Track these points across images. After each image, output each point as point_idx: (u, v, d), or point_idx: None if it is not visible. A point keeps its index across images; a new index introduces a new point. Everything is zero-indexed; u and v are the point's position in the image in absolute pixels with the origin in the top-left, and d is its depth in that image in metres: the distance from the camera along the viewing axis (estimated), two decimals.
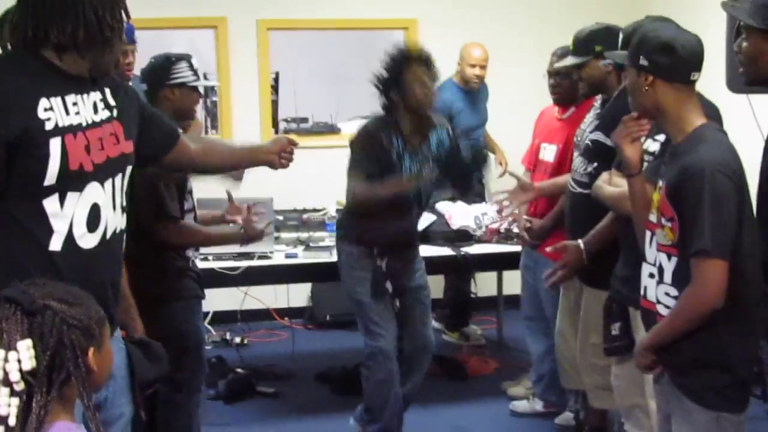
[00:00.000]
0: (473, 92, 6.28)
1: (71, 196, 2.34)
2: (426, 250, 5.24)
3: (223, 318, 6.57)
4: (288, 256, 5.06)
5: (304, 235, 5.32)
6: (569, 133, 4.42)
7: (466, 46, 6.22)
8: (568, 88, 4.54)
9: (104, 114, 2.46)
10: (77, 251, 2.37)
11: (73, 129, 2.34)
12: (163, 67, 3.73)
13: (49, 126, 2.29)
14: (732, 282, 2.60)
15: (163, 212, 3.52)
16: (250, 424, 5.00)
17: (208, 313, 6.32)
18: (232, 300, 6.22)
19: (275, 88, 7.17)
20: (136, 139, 2.61)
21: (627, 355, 3.51)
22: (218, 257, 4.95)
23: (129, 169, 2.57)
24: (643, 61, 2.73)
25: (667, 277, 2.73)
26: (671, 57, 2.71)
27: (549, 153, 4.64)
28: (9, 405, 1.82)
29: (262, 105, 6.82)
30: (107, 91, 2.51)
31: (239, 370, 5.55)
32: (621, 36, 3.54)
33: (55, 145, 2.29)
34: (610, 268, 3.61)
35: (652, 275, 2.81)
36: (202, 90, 3.90)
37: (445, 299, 6.43)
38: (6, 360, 1.82)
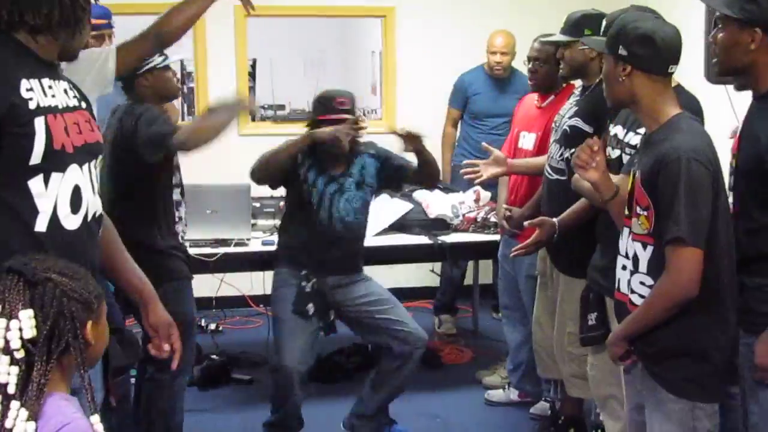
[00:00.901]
0: (500, 80, 6.17)
1: (55, 176, 2.31)
2: (403, 239, 5.26)
3: (198, 304, 6.47)
4: (264, 243, 5.00)
5: (280, 222, 5.25)
6: (548, 121, 4.41)
7: (490, 34, 6.12)
8: (545, 74, 4.53)
9: (74, 101, 2.44)
10: (62, 232, 2.34)
11: (53, 110, 2.31)
12: None
13: (32, 105, 2.26)
14: (707, 270, 2.58)
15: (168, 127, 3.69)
16: (225, 410, 4.97)
17: None
18: (208, 287, 6.13)
19: (252, 75, 7.12)
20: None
21: (603, 345, 3.50)
22: (195, 244, 4.89)
23: (100, 158, 2.54)
24: (622, 51, 2.71)
25: (642, 266, 2.71)
26: (650, 49, 2.69)
27: (528, 141, 4.62)
28: (9, 373, 1.87)
29: (239, 91, 6.73)
30: (69, 83, 2.50)
31: (214, 356, 5.51)
32: (604, 23, 3.51)
33: (39, 123, 2.26)
34: (587, 257, 3.61)
35: (625, 267, 2.80)
36: (175, 66, 3.90)
37: (441, 286, 6.38)
38: (8, 329, 1.88)
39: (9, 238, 2.28)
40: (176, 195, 3.86)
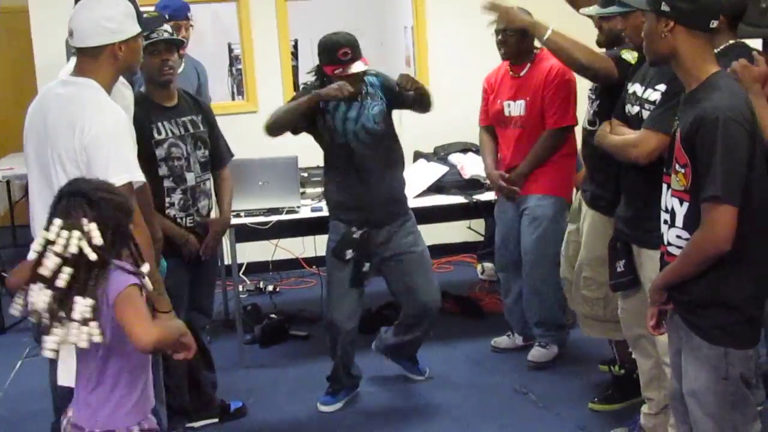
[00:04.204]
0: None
1: None
2: (441, 199, 5.26)
3: (256, 268, 6.58)
4: (313, 209, 5.02)
5: None
6: (534, 86, 4.54)
7: None
8: (515, 44, 4.54)
9: None
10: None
11: None
12: None
13: None
14: (740, 226, 2.52)
15: None
16: (284, 364, 5.01)
17: (242, 264, 6.33)
18: (264, 252, 6.21)
19: (295, 55, 7.11)
20: None
21: (631, 290, 3.49)
22: (249, 213, 4.94)
23: None
24: (665, 7, 2.62)
25: (679, 221, 2.67)
26: (693, 3, 2.61)
27: (517, 108, 4.66)
28: (64, 275, 2.23)
29: (284, 71, 6.74)
30: None
31: (273, 315, 5.55)
32: None
33: None
34: (614, 194, 3.62)
35: (665, 221, 2.75)
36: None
37: (485, 239, 6.38)
38: (80, 238, 2.23)
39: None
40: (168, 182, 3.83)
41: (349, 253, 4.14)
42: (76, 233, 2.21)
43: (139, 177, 2.87)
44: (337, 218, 4.24)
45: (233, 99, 7.18)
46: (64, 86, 2.96)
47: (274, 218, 4.96)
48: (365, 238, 4.15)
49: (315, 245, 5.61)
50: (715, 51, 3.13)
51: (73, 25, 2.91)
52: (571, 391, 4.43)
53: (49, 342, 2.26)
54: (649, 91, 3.20)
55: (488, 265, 6.22)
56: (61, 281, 2.22)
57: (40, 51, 6.32)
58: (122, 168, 2.80)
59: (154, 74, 3.81)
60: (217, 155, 4.09)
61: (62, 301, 2.23)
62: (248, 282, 6.44)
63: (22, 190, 8.82)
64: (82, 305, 2.22)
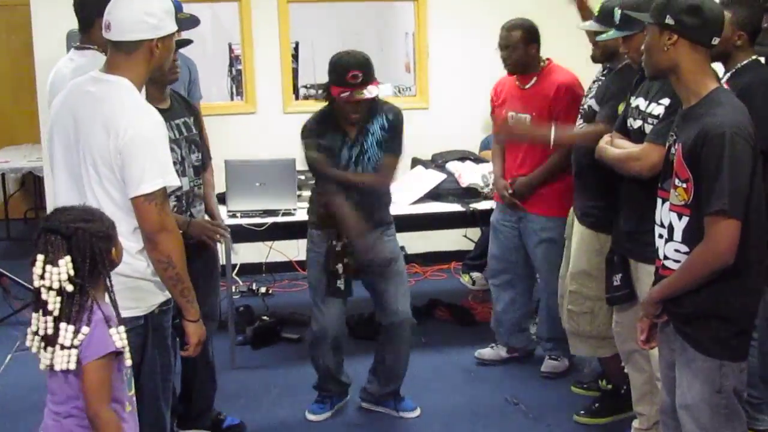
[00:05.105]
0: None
1: None
2: (437, 207, 5.21)
3: (249, 270, 6.52)
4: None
5: None
6: (540, 101, 4.45)
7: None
8: (517, 59, 4.50)
9: None
10: None
11: None
12: None
13: None
14: (740, 240, 2.52)
15: None
16: (275, 366, 4.96)
17: (236, 265, 6.27)
18: (258, 253, 6.16)
19: (295, 57, 7.07)
20: None
21: (627, 304, 3.45)
22: (245, 214, 4.88)
23: None
24: (669, 20, 2.62)
25: (677, 235, 2.66)
26: (699, 19, 2.60)
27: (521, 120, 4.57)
28: (55, 303, 2.33)
29: (284, 72, 6.69)
30: None
31: (265, 317, 5.50)
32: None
33: None
34: (602, 210, 3.65)
35: (661, 236, 2.75)
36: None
37: (476, 248, 6.30)
38: (59, 273, 2.32)
39: None
40: None
41: (340, 267, 4.02)
42: (56, 269, 2.32)
43: (173, 181, 2.75)
44: (317, 225, 4.11)
45: (232, 99, 7.12)
46: (95, 83, 2.78)
47: (270, 220, 4.92)
48: (347, 248, 4.00)
49: None
50: (737, 66, 3.12)
51: (111, 17, 2.74)
52: (561, 403, 4.37)
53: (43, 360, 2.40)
54: (653, 105, 3.17)
55: (476, 275, 6.17)
56: (53, 309, 2.35)
57: (40, 45, 6.25)
58: (157, 173, 2.68)
59: (168, 72, 3.58)
60: (204, 159, 3.89)
61: (54, 326, 2.35)
62: (241, 283, 6.38)
63: (17, 184, 8.76)
64: (66, 331, 2.34)
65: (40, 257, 2.34)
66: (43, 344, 2.37)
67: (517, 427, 4.16)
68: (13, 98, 8.51)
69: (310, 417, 4.27)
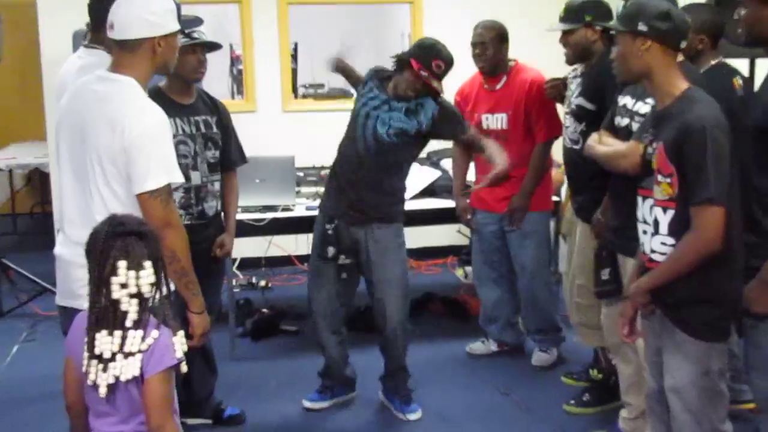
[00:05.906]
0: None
1: None
2: (432, 203, 5.26)
3: (249, 264, 6.57)
4: (308, 208, 5.03)
5: (321, 189, 5.24)
6: (515, 100, 4.50)
7: None
8: (491, 57, 4.53)
9: None
10: None
11: None
12: None
13: None
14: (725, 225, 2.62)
15: None
16: (275, 358, 5.00)
17: (236, 259, 6.32)
18: (258, 248, 6.21)
19: (294, 57, 7.10)
20: None
21: (615, 298, 3.50)
22: (245, 210, 4.93)
23: None
24: (642, 27, 2.74)
25: (663, 228, 2.74)
26: (670, 23, 2.73)
27: (497, 121, 4.60)
28: (136, 311, 2.26)
29: (283, 73, 6.74)
30: None
31: (264, 310, 5.55)
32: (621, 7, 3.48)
33: None
34: (597, 204, 3.68)
35: (645, 232, 2.83)
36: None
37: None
38: (143, 276, 2.26)
39: None
40: None
41: (331, 250, 4.05)
42: (143, 273, 2.25)
43: (177, 178, 2.79)
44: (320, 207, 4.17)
45: (233, 98, 7.16)
46: (101, 82, 2.82)
47: (270, 215, 4.97)
48: (338, 231, 4.03)
49: (308, 243, 5.60)
50: (702, 70, 3.24)
51: (114, 17, 2.80)
52: (552, 394, 4.42)
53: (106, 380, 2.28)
54: (640, 103, 3.22)
55: (470, 269, 6.22)
56: (135, 317, 2.27)
57: (47, 44, 6.29)
58: (162, 169, 2.72)
59: (189, 71, 3.69)
60: (226, 158, 3.96)
61: (123, 336, 2.26)
62: (241, 277, 6.42)
63: (24, 179, 8.80)
64: (134, 338, 2.27)
65: (122, 263, 2.24)
66: (101, 366, 2.25)
67: (509, 417, 4.20)
68: (20, 96, 8.53)
69: (306, 404, 4.30)
